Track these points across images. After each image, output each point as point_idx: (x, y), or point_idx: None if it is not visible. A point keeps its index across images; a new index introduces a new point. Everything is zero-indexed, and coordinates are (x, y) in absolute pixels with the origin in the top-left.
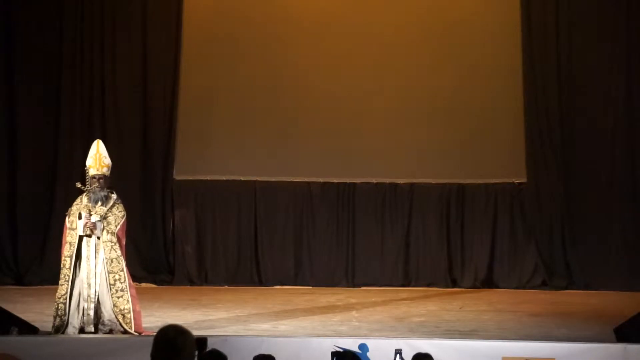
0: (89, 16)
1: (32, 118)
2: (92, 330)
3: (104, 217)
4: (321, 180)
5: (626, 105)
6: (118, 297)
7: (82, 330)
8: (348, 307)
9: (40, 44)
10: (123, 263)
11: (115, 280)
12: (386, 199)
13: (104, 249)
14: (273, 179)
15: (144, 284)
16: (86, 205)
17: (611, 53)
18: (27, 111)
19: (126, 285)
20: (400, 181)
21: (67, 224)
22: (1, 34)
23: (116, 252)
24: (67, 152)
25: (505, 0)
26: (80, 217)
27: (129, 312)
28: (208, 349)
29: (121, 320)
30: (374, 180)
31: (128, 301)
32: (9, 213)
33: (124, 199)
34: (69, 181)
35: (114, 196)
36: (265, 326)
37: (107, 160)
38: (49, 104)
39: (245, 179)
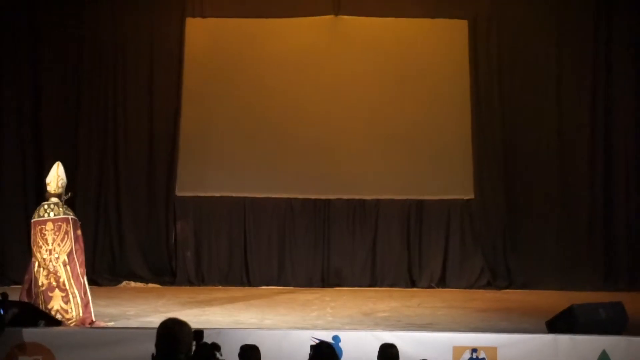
0: (105, 58)
1: (55, 141)
2: None
3: None
4: (301, 196)
5: (558, 133)
6: None
7: None
8: (323, 304)
9: (60, 89)
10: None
11: None
12: (356, 213)
13: None
14: (260, 196)
15: (150, 285)
16: None
17: (545, 90)
18: (51, 135)
19: None
20: (368, 197)
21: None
22: (30, 75)
23: None
24: (84, 170)
25: (455, 49)
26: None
27: None
28: (204, 341)
29: None
30: (345, 197)
31: None
32: None
33: (133, 213)
34: (85, 191)
35: None
36: (253, 320)
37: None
38: (69, 126)
39: (236, 195)
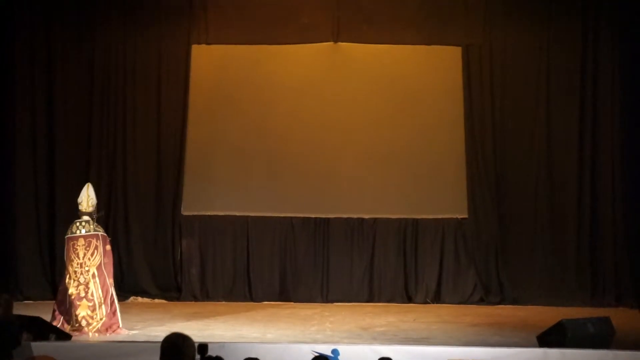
0: (114, 83)
1: (67, 163)
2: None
3: None
4: (301, 215)
5: (547, 154)
6: None
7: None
8: (323, 319)
9: (72, 112)
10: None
11: None
12: (354, 231)
13: None
14: (262, 215)
15: (157, 300)
16: None
17: (535, 113)
18: (62, 156)
19: None
20: (366, 216)
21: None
22: (44, 98)
23: None
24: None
25: (449, 74)
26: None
27: None
28: (208, 354)
29: None
30: (344, 216)
31: None
32: (49, 238)
33: (141, 231)
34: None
35: None
36: (255, 334)
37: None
38: (80, 148)
39: (239, 214)
